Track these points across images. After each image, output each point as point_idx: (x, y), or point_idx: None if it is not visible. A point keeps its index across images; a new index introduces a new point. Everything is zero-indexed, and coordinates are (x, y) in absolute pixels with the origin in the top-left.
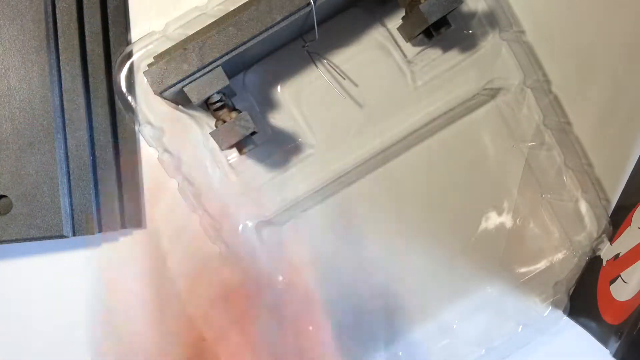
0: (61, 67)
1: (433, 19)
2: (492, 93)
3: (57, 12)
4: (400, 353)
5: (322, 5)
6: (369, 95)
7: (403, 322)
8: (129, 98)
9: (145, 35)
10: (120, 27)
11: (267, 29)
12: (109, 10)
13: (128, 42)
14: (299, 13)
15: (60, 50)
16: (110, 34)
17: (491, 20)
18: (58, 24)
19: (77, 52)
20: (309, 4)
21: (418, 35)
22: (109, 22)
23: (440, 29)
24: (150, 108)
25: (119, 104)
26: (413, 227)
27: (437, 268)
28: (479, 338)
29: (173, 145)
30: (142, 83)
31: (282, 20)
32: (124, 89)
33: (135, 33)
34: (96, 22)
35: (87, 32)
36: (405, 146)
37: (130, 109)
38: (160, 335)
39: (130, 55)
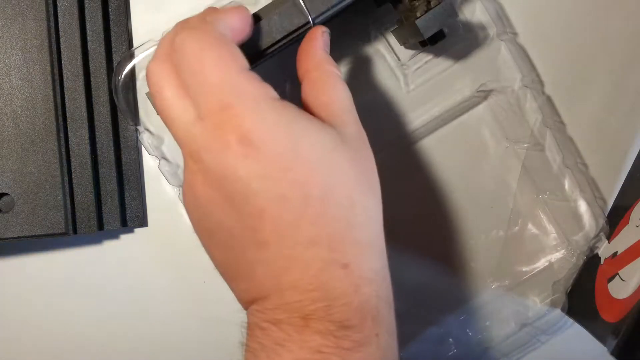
0: (62, 66)
1: (429, 34)
2: (487, 95)
3: (58, 11)
4: (400, 353)
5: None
6: (363, 98)
7: (403, 322)
8: (127, 108)
9: (145, 42)
10: (122, 26)
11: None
12: (110, 9)
13: (129, 41)
14: (298, 32)
15: (61, 49)
16: (112, 33)
17: (485, 22)
18: (59, 23)
19: (79, 51)
20: (307, 23)
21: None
22: (110, 21)
23: (436, 41)
24: (149, 116)
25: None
26: (411, 228)
27: (436, 269)
28: (478, 337)
29: (172, 153)
30: (141, 92)
31: (282, 39)
32: (122, 103)
33: (136, 32)
34: (97, 21)
35: (88, 31)
36: (401, 148)
37: (130, 117)
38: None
39: (131, 57)
